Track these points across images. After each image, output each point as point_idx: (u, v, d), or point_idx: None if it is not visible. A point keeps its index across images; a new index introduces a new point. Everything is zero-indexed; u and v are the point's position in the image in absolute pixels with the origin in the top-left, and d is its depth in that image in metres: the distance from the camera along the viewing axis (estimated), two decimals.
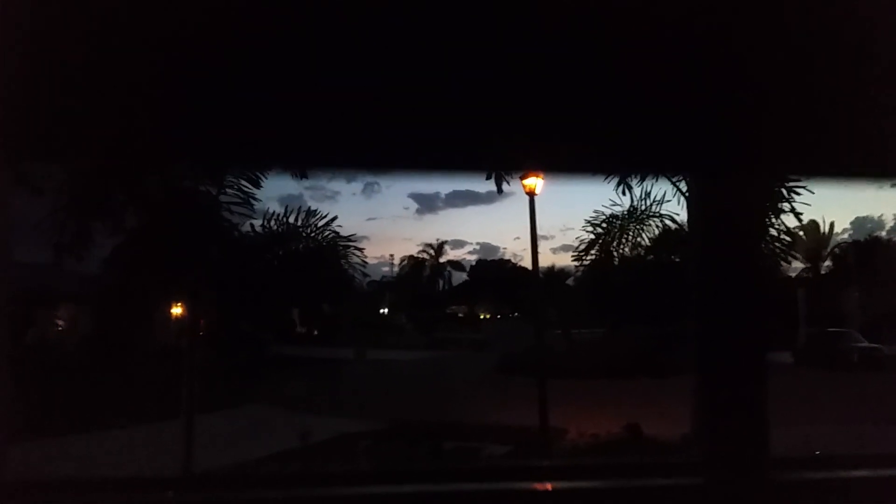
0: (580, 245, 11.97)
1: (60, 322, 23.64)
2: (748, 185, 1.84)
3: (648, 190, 10.97)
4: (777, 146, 1.84)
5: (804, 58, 1.79)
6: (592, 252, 11.82)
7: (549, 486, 1.78)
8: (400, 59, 1.70)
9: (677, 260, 13.79)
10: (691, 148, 1.85)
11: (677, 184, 10.42)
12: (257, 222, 9.90)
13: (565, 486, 1.81)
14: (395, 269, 53.66)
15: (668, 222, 11.32)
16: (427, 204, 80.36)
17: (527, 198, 13.40)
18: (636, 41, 1.73)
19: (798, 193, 9.45)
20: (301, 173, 7.75)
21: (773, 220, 9.45)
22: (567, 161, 1.86)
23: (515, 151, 1.84)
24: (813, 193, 9.67)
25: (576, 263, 12.45)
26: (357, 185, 76.30)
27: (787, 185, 9.37)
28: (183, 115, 1.69)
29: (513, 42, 1.72)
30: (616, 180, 10.75)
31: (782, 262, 11.24)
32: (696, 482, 1.80)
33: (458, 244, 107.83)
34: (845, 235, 36.43)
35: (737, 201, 1.81)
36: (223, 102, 1.69)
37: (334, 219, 10.06)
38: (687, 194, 10.33)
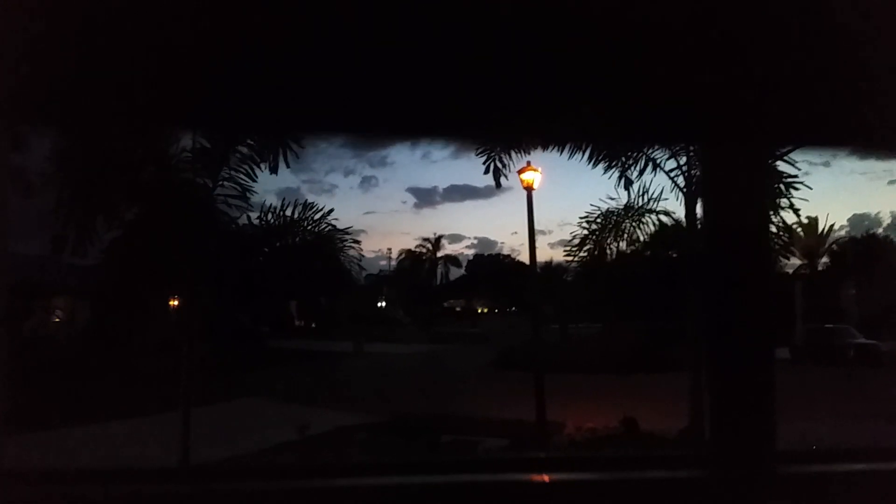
0: (574, 239, 11.96)
1: (58, 314, 23.63)
2: (756, 156, 1.82)
3: (646, 186, 10.97)
4: (785, 115, 1.81)
5: (812, 25, 1.77)
6: (586, 248, 11.80)
7: (545, 478, 1.78)
8: (404, 29, 1.69)
9: (674, 255, 13.80)
10: (700, 116, 1.83)
11: (674, 179, 10.45)
12: (254, 215, 9.91)
13: (564, 477, 1.81)
14: (393, 263, 53.72)
15: (664, 218, 11.31)
16: (425, 198, 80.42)
17: (525, 192, 13.42)
18: (643, 10, 1.72)
19: (796, 189, 9.47)
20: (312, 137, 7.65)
21: (772, 216, 9.46)
22: (572, 132, 1.86)
23: (523, 121, 1.83)
24: (811, 189, 9.69)
25: (570, 259, 12.43)
26: (355, 179, 76.40)
27: (785, 181, 9.39)
28: (183, 82, 1.68)
29: (516, 10, 1.70)
30: (616, 174, 10.76)
31: (780, 258, 11.26)
32: (695, 475, 1.80)
33: (456, 238, 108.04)
34: (842, 232, 36.52)
35: (746, 174, 1.80)
36: (222, 67, 1.68)
37: (331, 212, 10.06)
38: (685, 190, 10.36)
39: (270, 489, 1.73)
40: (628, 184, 10.77)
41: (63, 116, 1.84)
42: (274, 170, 9.09)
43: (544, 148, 11.16)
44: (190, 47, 1.64)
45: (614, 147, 10.02)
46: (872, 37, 1.78)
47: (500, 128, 1.91)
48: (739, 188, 1.81)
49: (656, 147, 9.56)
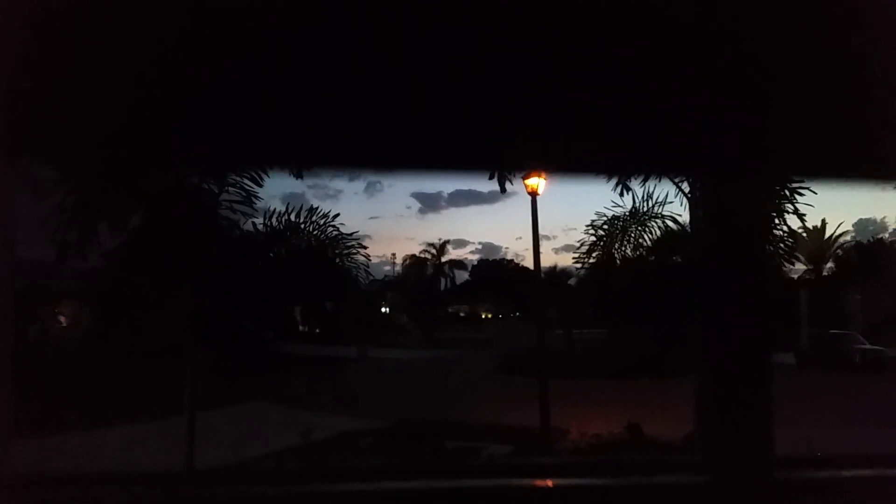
0: (582, 245, 11.98)
1: (62, 319, 23.67)
2: (752, 187, 1.84)
3: (650, 191, 10.97)
4: (781, 148, 1.84)
5: (808, 60, 1.79)
6: (594, 254, 11.83)
7: (549, 483, 1.78)
8: (403, 57, 1.70)
9: (679, 261, 13.79)
10: (696, 150, 1.85)
11: (679, 185, 10.43)
12: (259, 220, 9.92)
13: (568, 483, 1.81)
14: (398, 268, 53.69)
15: (669, 223, 11.33)
16: (429, 203, 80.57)
17: (529, 198, 13.41)
18: (641, 43, 1.73)
19: (801, 194, 9.45)
20: (300, 172, 7.77)
21: (777, 221, 9.44)
22: (572, 161, 1.87)
23: (521, 151, 1.84)
24: (816, 194, 9.66)
25: (578, 265, 12.47)
26: (360, 184, 76.51)
27: (790, 186, 9.36)
28: (185, 115, 1.69)
29: (519, 41, 1.72)
30: (616, 181, 10.75)
31: (785, 264, 11.24)
32: (699, 481, 1.81)
33: (461, 244, 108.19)
34: (848, 237, 36.39)
35: (741, 203, 1.81)
36: (224, 102, 1.69)
37: (336, 216, 10.07)
38: (690, 196, 10.34)
39: (275, 494, 1.73)
40: (626, 189, 10.77)
41: (65, 150, 1.86)
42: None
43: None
44: (194, 81, 1.65)
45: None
46: (872, 70, 1.79)
47: (500, 161, 1.93)
48: (732, 208, 1.83)
49: (655, 176, 9.57)
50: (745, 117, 1.79)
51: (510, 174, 11.15)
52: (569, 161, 1.87)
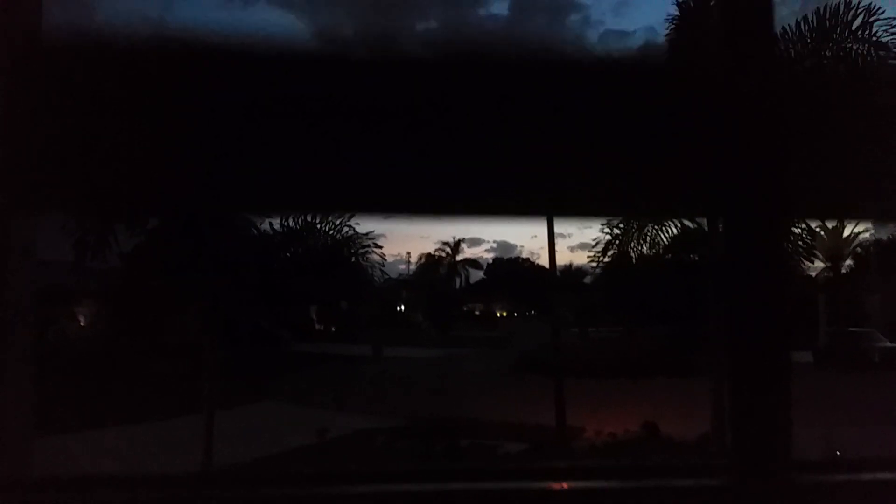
0: (598, 244, 11.93)
1: (81, 320, 23.88)
2: (772, 228, 1.83)
3: None
4: (800, 193, 1.84)
5: (826, 105, 1.79)
6: (610, 252, 11.77)
7: (565, 485, 1.78)
8: (406, 103, 1.73)
9: (696, 259, 13.71)
10: (713, 194, 1.86)
11: None
12: (276, 220, 9.97)
13: (584, 486, 1.81)
14: (412, 267, 53.71)
15: (686, 221, 11.24)
16: None
17: None
18: (655, 91, 1.75)
19: None
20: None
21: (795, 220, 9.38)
22: (585, 206, 1.89)
23: (531, 197, 1.86)
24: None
25: (593, 263, 12.41)
26: None
27: None
28: (180, 161, 1.73)
29: (534, 85, 1.74)
30: None
31: (804, 262, 11.14)
32: (717, 483, 1.80)
33: (476, 242, 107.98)
34: (866, 234, 36.00)
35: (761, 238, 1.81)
36: (222, 149, 1.72)
37: (352, 216, 10.10)
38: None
39: (289, 496, 1.74)
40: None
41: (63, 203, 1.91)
42: None
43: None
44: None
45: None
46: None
47: (510, 205, 1.95)
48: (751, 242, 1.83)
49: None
50: (763, 159, 1.79)
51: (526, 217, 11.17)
52: (584, 206, 1.89)
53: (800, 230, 9.78)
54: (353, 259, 10.32)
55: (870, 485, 1.80)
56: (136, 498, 1.70)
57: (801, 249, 10.08)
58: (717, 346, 9.57)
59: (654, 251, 11.84)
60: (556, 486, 1.80)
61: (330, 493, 1.76)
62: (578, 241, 78.35)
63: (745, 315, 1.78)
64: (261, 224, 9.84)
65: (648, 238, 11.40)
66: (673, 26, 10.67)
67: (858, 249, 34.92)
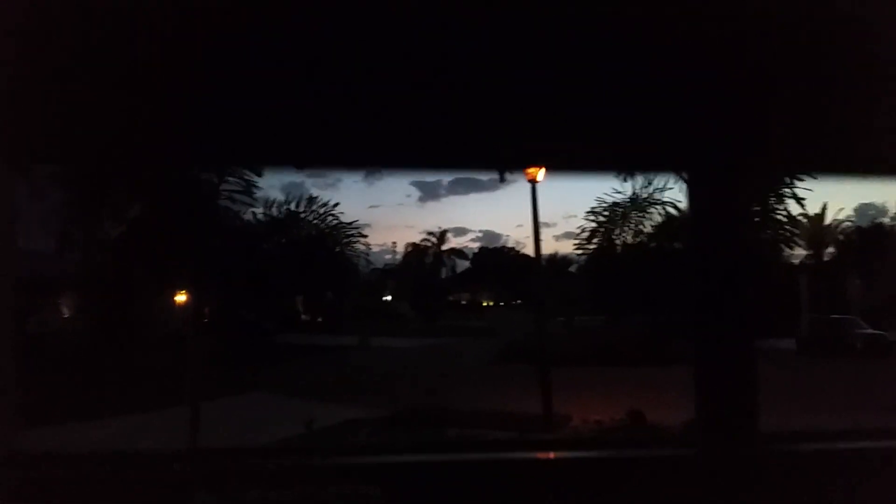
0: (583, 232, 11.99)
1: (64, 310, 23.71)
2: (743, 181, 1.87)
3: (650, 178, 10.97)
4: (774, 143, 1.87)
5: (801, 54, 1.81)
6: (595, 241, 11.84)
7: (551, 455, 1.85)
8: (401, 56, 1.72)
9: (679, 247, 13.80)
10: (687, 145, 1.89)
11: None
12: (259, 210, 9.94)
13: (567, 455, 1.88)
14: (398, 256, 53.69)
15: (670, 209, 11.32)
16: (429, 191, 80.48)
17: (529, 185, 13.41)
18: (634, 39, 1.76)
19: (801, 180, 9.45)
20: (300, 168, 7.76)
21: (777, 206, 9.46)
22: (566, 158, 1.90)
23: (515, 148, 1.87)
24: (816, 179, 9.66)
25: (578, 252, 12.49)
26: (359, 173, 76.29)
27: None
28: (184, 114, 1.71)
29: (514, 39, 1.74)
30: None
31: (785, 249, 11.25)
32: (687, 452, 1.89)
33: (461, 232, 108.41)
34: (848, 222, 36.35)
35: (731, 197, 1.85)
36: (223, 100, 1.71)
37: (336, 205, 10.10)
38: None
39: (276, 468, 1.75)
40: (630, 176, 10.79)
41: (65, 152, 1.88)
42: None
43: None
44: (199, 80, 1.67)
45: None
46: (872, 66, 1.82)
47: (498, 158, 1.97)
48: (723, 201, 1.87)
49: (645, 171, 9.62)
50: (741, 112, 1.81)
51: (510, 171, 11.15)
52: (565, 157, 1.91)
53: (782, 217, 9.87)
54: (338, 249, 10.31)
55: (828, 453, 1.90)
56: (124, 473, 1.71)
57: (782, 237, 10.17)
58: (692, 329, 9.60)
59: (638, 239, 11.92)
60: (541, 455, 1.90)
61: (320, 464, 1.79)
62: (564, 229, 78.52)
63: (711, 297, 1.84)
64: (245, 214, 9.82)
65: (632, 226, 11.48)
66: None
67: (840, 237, 35.28)
